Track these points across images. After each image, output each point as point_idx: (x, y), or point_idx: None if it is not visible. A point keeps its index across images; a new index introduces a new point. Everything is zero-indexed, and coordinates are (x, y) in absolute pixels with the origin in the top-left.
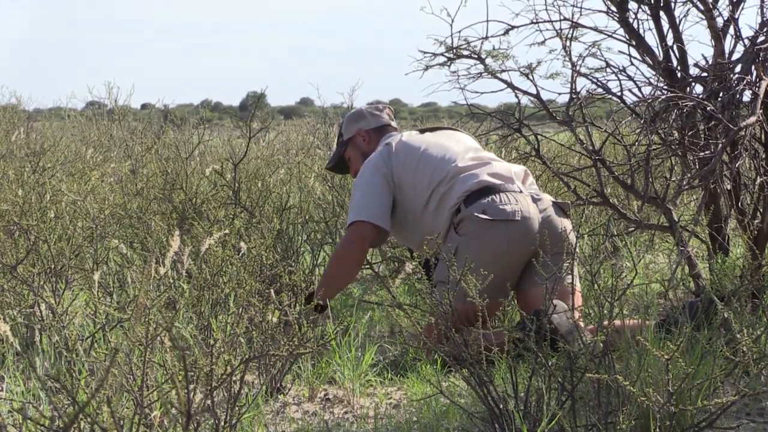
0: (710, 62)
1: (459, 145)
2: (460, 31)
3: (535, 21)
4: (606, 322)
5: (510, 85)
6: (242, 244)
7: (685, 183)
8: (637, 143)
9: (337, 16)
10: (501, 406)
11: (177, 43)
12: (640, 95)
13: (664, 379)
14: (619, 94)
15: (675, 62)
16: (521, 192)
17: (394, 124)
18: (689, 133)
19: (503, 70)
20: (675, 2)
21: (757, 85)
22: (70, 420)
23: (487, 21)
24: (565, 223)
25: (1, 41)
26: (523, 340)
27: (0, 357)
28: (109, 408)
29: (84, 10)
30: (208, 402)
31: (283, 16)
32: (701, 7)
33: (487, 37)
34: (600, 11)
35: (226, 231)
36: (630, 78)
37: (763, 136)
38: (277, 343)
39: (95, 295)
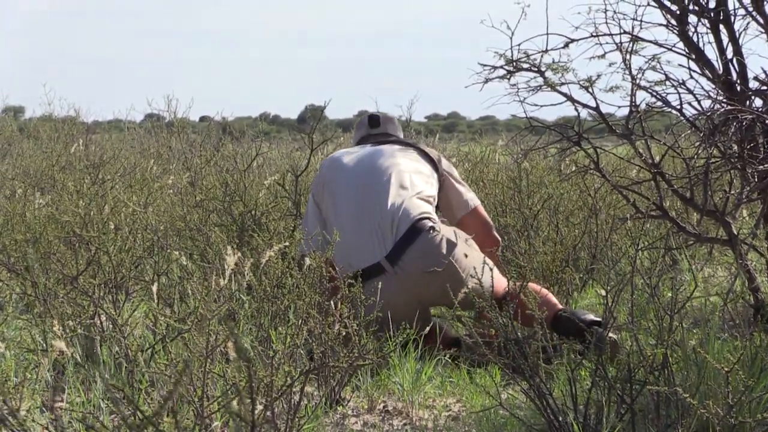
0: None
1: (354, 189)
2: (519, 44)
3: (594, 34)
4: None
5: (569, 98)
6: (307, 259)
7: (744, 196)
8: (696, 156)
9: (393, 27)
10: (560, 419)
11: (235, 55)
12: (699, 108)
13: (724, 391)
14: (678, 107)
15: (734, 75)
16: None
17: (382, 129)
18: (749, 147)
19: (563, 83)
20: (734, 15)
21: None
22: (135, 429)
23: (547, 34)
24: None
25: (60, 54)
26: (583, 353)
27: (60, 368)
28: (173, 419)
29: (143, 23)
30: (269, 413)
31: (338, 28)
32: (761, 21)
33: (546, 50)
34: (660, 25)
35: (287, 243)
36: (689, 91)
37: None
38: (337, 355)
39: (155, 307)
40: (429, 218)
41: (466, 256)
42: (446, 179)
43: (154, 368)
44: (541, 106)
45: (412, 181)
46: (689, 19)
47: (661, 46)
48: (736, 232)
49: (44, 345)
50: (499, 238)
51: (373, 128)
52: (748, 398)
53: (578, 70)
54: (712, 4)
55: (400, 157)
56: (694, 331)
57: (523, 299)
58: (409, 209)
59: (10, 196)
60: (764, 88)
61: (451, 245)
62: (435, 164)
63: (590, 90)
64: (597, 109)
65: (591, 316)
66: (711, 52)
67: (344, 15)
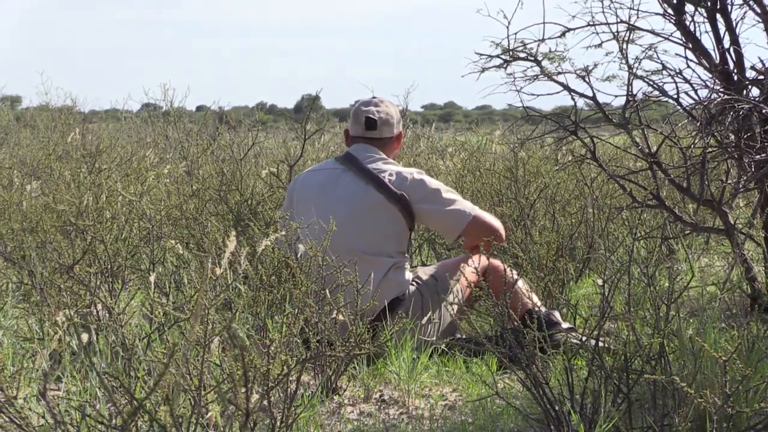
0: (767, 65)
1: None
2: (516, 33)
3: (591, 23)
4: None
5: (566, 87)
6: (300, 246)
7: (741, 186)
8: (693, 146)
9: (392, 17)
10: (557, 408)
11: (232, 45)
12: (696, 98)
13: (721, 380)
14: (675, 96)
15: (731, 65)
16: None
17: (377, 134)
18: (745, 136)
19: (559, 73)
20: (731, 5)
21: None
22: (129, 416)
23: (544, 23)
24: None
25: (58, 44)
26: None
27: (57, 357)
28: (167, 406)
29: (139, 11)
30: (265, 402)
31: (337, 18)
32: (758, 10)
33: (543, 40)
34: (657, 14)
35: (283, 232)
36: (686, 80)
37: None
38: (334, 344)
39: (152, 296)
40: (398, 297)
41: (431, 320)
42: (421, 212)
43: (150, 357)
44: (538, 95)
45: (377, 254)
46: (686, 9)
47: (657, 35)
48: (732, 222)
49: (41, 334)
50: (503, 234)
51: (369, 131)
52: (745, 387)
53: (575, 59)
54: None
55: (363, 218)
56: (691, 320)
57: (519, 290)
58: (378, 293)
59: (7, 186)
60: (761, 77)
61: (416, 322)
62: (405, 202)
63: (587, 79)
64: (594, 98)
65: (557, 319)
66: (708, 42)
67: (342, 4)
